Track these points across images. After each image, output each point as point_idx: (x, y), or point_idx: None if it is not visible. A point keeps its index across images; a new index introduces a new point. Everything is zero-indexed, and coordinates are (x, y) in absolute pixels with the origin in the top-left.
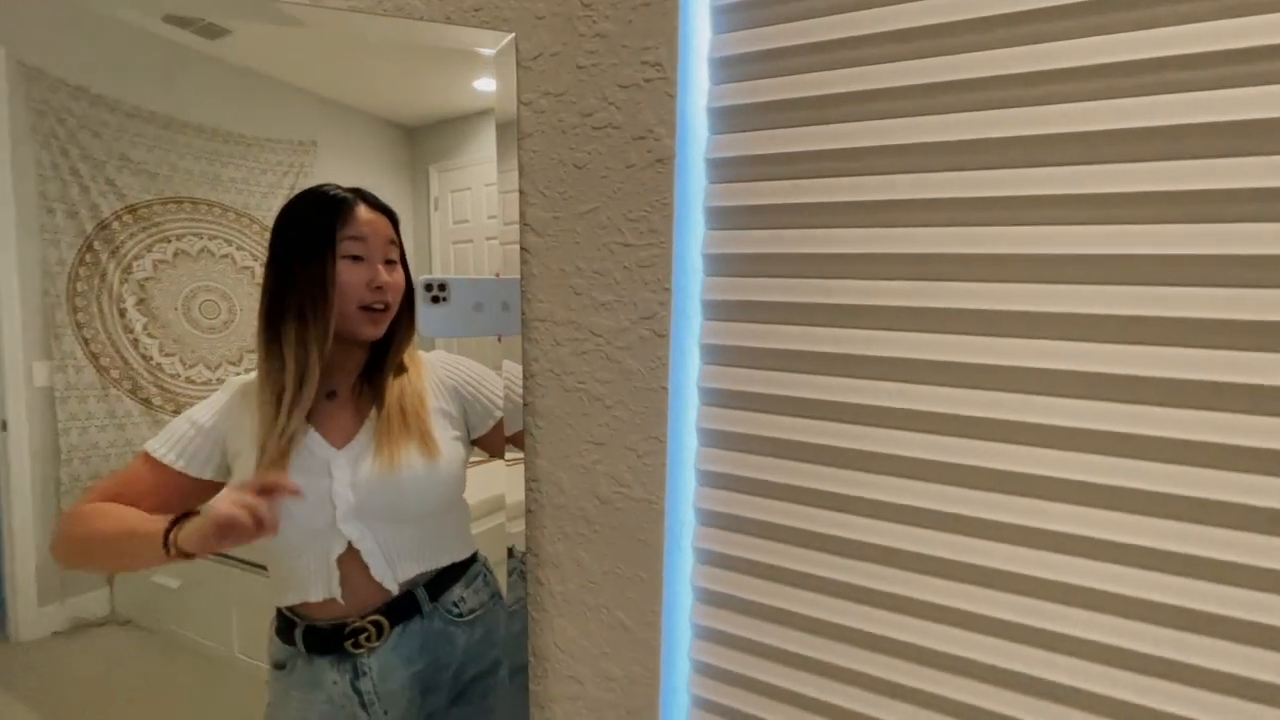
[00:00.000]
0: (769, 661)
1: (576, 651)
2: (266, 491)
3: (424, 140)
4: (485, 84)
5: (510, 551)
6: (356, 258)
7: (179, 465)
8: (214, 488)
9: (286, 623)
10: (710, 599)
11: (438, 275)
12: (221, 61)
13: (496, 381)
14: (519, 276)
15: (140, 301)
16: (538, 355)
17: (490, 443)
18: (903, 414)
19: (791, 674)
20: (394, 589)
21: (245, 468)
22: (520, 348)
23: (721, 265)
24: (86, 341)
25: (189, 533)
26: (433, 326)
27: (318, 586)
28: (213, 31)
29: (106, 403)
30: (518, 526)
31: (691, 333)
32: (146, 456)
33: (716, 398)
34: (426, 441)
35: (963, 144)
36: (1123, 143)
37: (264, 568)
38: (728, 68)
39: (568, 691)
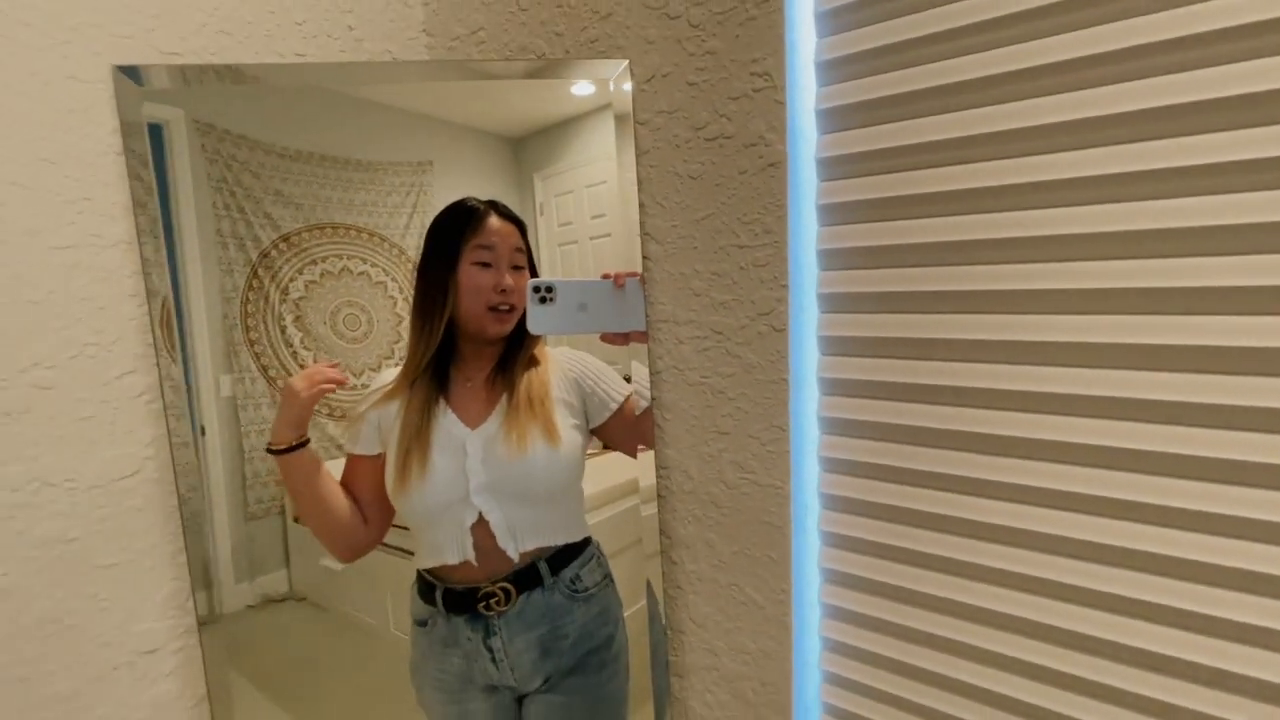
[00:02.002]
0: (896, 639)
1: (711, 626)
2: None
3: (527, 149)
4: (582, 88)
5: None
6: (485, 264)
7: (358, 449)
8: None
9: (428, 585)
10: (837, 579)
11: (545, 279)
12: (348, 95)
13: (614, 376)
14: (637, 277)
15: (297, 319)
16: (662, 354)
17: (606, 433)
18: (1020, 396)
19: (918, 651)
20: (515, 558)
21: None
22: (645, 349)
23: (835, 259)
24: (257, 356)
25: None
26: (540, 325)
27: (453, 550)
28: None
29: (275, 409)
30: (651, 509)
31: (809, 326)
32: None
33: (836, 387)
34: (549, 428)
35: (1066, 125)
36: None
37: (411, 552)
38: (833, 69)
39: (703, 663)
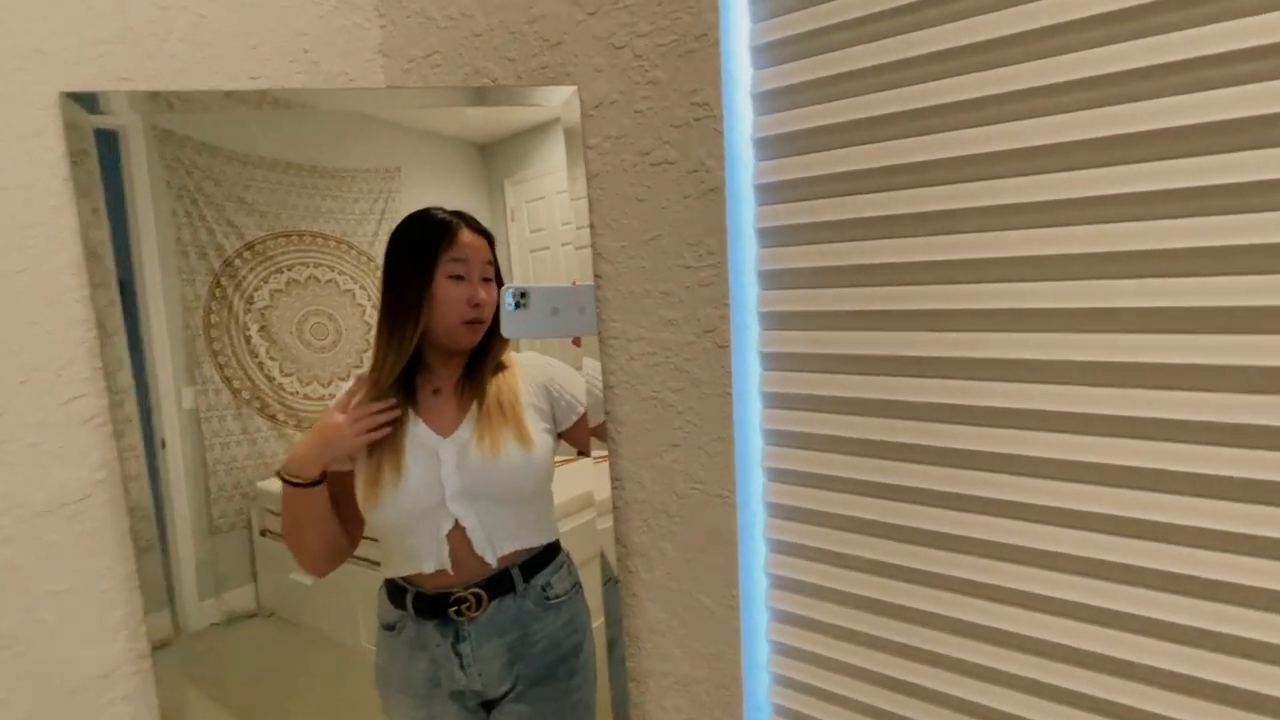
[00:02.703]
0: (841, 641)
1: (666, 632)
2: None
3: (496, 155)
4: (548, 95)
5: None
6: (459, 277)
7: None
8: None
9: (398, 589)
10: (783, 584)
11: (521, 285)
12: (315, 108)
13: (579, 380)
14: (592, 283)
15: (262, 328)
16: (614, 369)
17: (574, 436)
18: (948, 408)
19: (863, 652)
20: (493, 563)
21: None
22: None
23: (775, 280)
24: (221, 367)
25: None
26: (514, 329)
27: (429, 559)
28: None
29: (240, 420)
30: (606, 523)
31: (751, 342)
32: None
33: (778, 401)
34: (521, 432)
35: (989, 156)
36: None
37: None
38: (769, 100)
39: (660, 668)
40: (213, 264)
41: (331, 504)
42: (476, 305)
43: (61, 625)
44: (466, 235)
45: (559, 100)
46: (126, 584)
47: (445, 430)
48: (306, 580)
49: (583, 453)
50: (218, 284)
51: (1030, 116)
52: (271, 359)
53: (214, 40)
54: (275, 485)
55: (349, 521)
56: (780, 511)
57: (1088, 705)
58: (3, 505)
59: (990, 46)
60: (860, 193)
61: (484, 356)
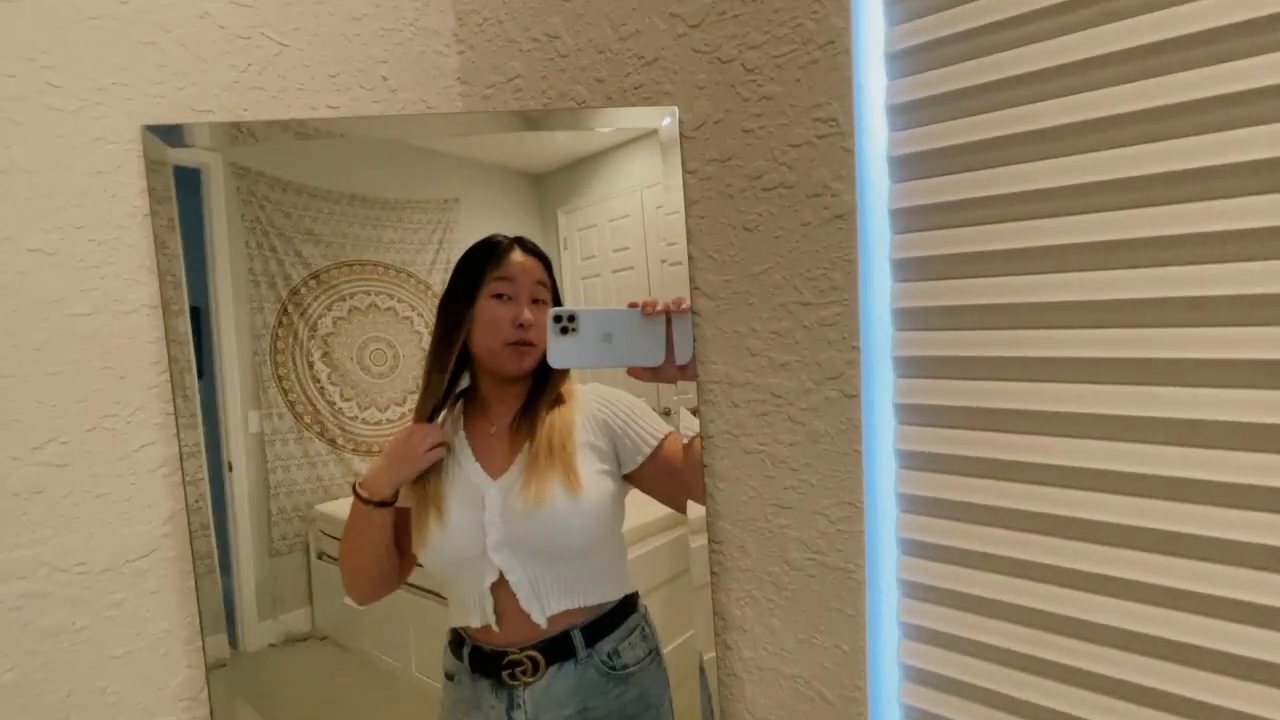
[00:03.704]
0: None
1: None
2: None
3: (550, 185)
4: (605, 123)
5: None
6: (504, 296)
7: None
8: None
9: (458, 638)
10: (919, 678)
11: (567, 308)
12: (379, 138)
13: (650, 416)
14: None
15: (325, 354)
16: (714, 417)
17: (642, 479)
18: (1120, 477)
19: None
20: (542, 623)
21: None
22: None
23: (914, 319)
24: (286, 392)
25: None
26: (561, 358)
27: (475, 613)
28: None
29: (302, 444)
30: (700, 540)
31: (885, 392)
32: None
33: (917, 460)
34: (570, 475)
35: (1153, 177)
36: None
37: (437, 594)
38: (907, 113)
39: None
40: (280, 293)
41: (394, 534)
42: (521, 326)
43: (120, 694)
44: (516, 255)
45: (657, 123)
46: (187, 648)
47: (495, 471)
48: (359, 606)
49: (671, 505)
50: (285, 312)
51: (1220, 129)
52: (333, 384)
53: (293, 70)
54: (333, 509)
55: (405, 555)
56: (918, 592)
57: None
58: (66, 563)
59: (1168, 47)
60: (1017, 219)
61: (542, 391)
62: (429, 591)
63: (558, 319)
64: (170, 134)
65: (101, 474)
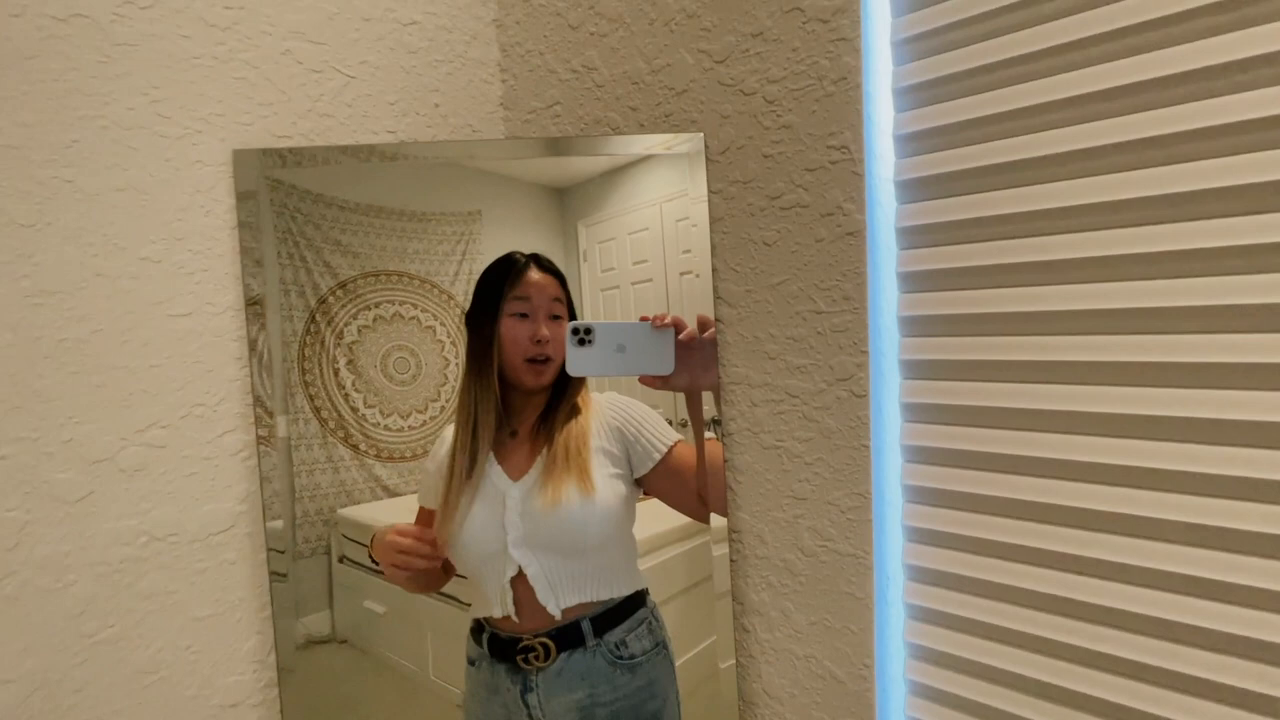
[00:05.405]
0: None
1: (786, 700)
2: (418, 535)
3: (571, 198)
4: (639, 148)
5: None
6: (522, 315)
7: (424, 503)
8: None
9: (479, 625)
10: (923, 655)
11: (584, 321)
12: (407, 157)
13: (659, 424)
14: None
15: (349, 362)
16: (734, 415)
17: (652, 483)
18: (1109, 468)
19: None
20: (557, 615)
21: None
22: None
23: (918, 326)
24: (312, 398)
25: (375, 541)
26: (579, 367)
27: (496, 604)
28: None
29: (325, 449)
30: (722, 549)
31: (891, 393)
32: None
33: (921, 455)
34: (583, 478)
35: (1151, 199)
36: None
37: (456, 599)
38: (913, 142)
39: None
40: (309, 301)
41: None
42: (539, 342)
43: (201, 653)
44: (533, 274)
45: (685, 148)
46: (259, 615)
47: (516, 474)
48: (379, 609)
49: (679, 509)
50: (313, 320)
51: (1229, 154)
52: (357, 391)
53: (358, 99)
54: (355, 513)
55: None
56: (921, 575)
57: None
58: (162, 533)
59: (1164, 84)
60: (1011, 237)
61: (560, 400)
62: (449, 597)
63: (575, 331)
64: (254, 158)
65: (191, 455)
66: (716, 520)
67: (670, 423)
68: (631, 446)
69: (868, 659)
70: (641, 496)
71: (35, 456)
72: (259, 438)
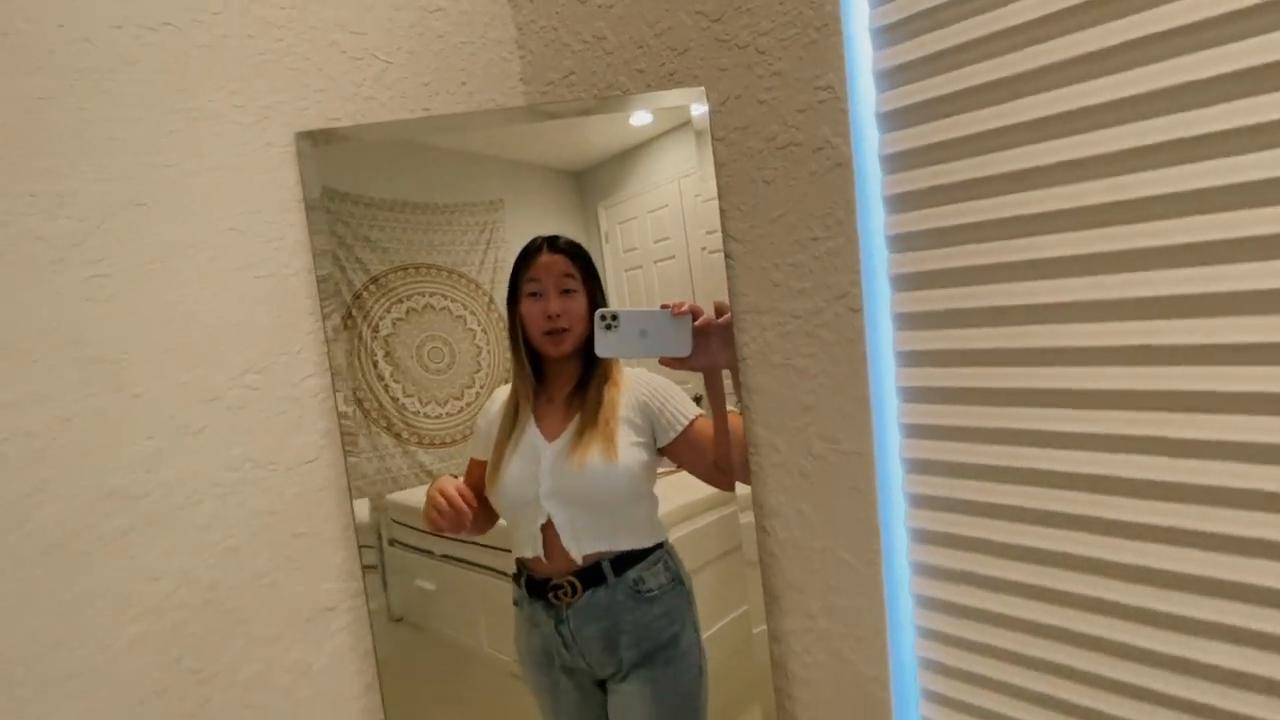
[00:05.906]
0: (982, 590)
1: (807, 589)
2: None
3: (590, 181)
4: (640, 118)
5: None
6: (535, 294)
7: (474, 454)
8: None
9: (519, 568)
10: (923, 537)
11: (610, 309)
12: (423, 144)
13: (683, 399)
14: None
15: (387, 354)
16: (746, 341)
17: (675, 453)
18: (1082, 351)
19: (1006, 599)
20: (578, 559)
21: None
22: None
23: (904, 243)
24: (354, 390)
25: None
26: (605, 349)
27: (528, 546)
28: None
29: (370, 438)
30: (748, 517)
31: (883, 305)
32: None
33: (913, 358)
34: (609, 444)
35: (1105, 105)
36: None
37: (504, 573)
38: (891, 76)
39: (801, 625)
40: (345, 297)
41: (470, 485)
42: (550, 316)
43: (301, 563)
44: (543, 256)
45: (689, 101)
46: (344, 534)
47: (551, 435)
48: (430, 586)
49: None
50: (349, 314)
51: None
52: (395, 381)
53: (397, 82)
54: (402, 498)
55: (486, 503)
56: (918, 466)
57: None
58: (264, 460)
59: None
60: (984, 153)
61: (593, 372)
62: (499, 572)
63: (602, 317)
64: (312, 138)
65: (281, 396)
66: (742, 489)
67: (698, 400)
68: (656, 419)
69: (875, 545)
70: (664, 468)
71: (165, 393)
72: (333, 383)
